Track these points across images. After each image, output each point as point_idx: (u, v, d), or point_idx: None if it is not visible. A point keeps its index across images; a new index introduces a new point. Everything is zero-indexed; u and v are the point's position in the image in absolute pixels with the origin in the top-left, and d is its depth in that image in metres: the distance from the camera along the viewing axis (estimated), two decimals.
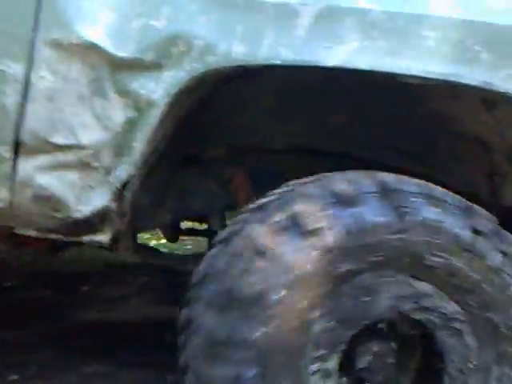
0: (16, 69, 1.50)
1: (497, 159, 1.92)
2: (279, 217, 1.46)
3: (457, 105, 1.82)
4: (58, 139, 1.54)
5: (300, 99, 1.90)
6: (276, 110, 1.95)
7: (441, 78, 1.53)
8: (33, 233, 1.67)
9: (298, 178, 1.66)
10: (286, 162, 2.14)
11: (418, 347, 1.59)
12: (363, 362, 1.53)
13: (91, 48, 1.50)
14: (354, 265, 1.45)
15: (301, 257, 1.41)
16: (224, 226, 2.22)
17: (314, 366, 1.44)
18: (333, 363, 1.47)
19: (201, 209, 2.17)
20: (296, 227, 1.44)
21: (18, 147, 1.55)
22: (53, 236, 1.68)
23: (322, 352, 1.45)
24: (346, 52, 1.51)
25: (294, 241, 1.42)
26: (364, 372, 1.54)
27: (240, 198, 2.10)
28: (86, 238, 1.67)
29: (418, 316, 1.50)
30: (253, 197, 2.06)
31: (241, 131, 2.01)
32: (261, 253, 1.42)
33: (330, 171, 1.68)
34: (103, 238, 1.66)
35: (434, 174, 2.00)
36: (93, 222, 1.63)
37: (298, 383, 1.43)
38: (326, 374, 1.46)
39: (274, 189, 1.65)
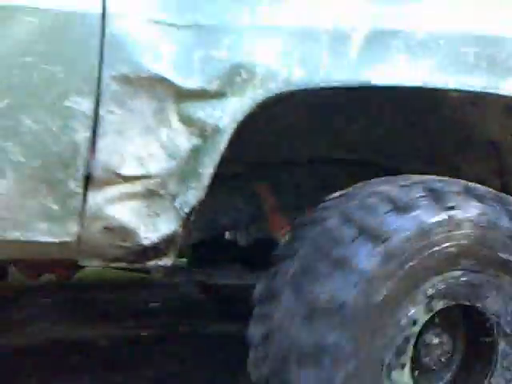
0: (84, 105, 1.53)
1: (508, 160, 2.08)
2: None
3: (475, 111, 1.97)
4: (127, 170, 1.58)
5: (327, 113, 2.00)
6: (303, 125, 2.04)
7: (481, 90, 1.67)
8: (96, 263, 1.70)
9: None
10: (306, 173, 2.23)
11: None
12: (428, 339, 1.68)
13: (158, 80, 1.54)
14: (494, 255, 1.64)
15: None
16: (249, 239, 2.31)
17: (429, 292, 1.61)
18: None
19: (227, 225, 2.23)
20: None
21: (88, 181, 1.57)
22: (116, 264, 1.71)
23: (431, 293, 1.61)
24: (395, 71, 1.62)
25: None
26: (423, 347, 1.69)
27: (266, 210, 2.18)
28: (150, 263, 1.71)
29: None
30: (278, 209, 2.15)
31: (268, 146, 2.09)
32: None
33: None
34: (167, 261, 1.71)
35: (445, 173, 2.16)
36: (160, 248, 1.67)
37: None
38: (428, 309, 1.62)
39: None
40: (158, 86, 1.55)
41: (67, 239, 1.61)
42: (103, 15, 1.52)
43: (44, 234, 1.60)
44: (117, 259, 1.69)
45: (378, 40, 1.62)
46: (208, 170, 1.61)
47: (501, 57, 1.67)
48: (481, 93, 1.70)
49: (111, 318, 3.06)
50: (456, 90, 1.68)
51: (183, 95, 1.57)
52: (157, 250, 1.67)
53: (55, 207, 1.58)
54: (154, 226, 1.63)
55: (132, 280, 3.15)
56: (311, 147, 2.14)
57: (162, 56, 1.55)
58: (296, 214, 1.88)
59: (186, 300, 3.44)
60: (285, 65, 1.58)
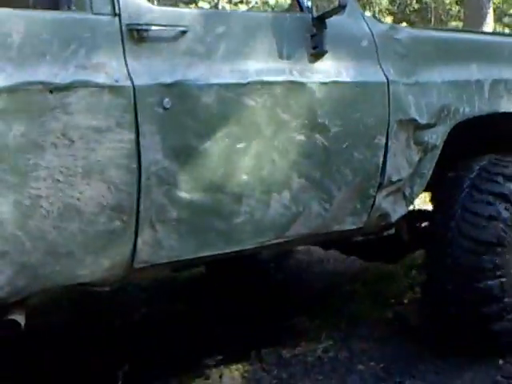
0: (382, 140, 2.42)
1: None
2: None
3: None
4: (394, 177, 2.52)
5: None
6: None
7: None
8: (358, 235, 2.62)
9: None
10: None
11: None
12: None
13: (410, 120, 2.50)
14: None
15: None
16: None
17: None
18: None
19: None
20: None
21: (378, 187, 2.47)
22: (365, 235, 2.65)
23: None
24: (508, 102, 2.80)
25: None
26: None
27: None
28: (383, 234, 2.67)
29: None
30: None
31: None
32: None
33: None
34: (391, 232, 2.69)
35: None
36: (394, 223, 2.64)
37: None
38: None
39: None
40: (410, 124, 2.51)
41: (360, 226, 2.50)
42: (388, 83, 2.42)
43: (350, 224, 2.47)
44: (370, 233, 2.63)
45: (497, 84, 2.78)
46: (428, 171, 2.63)
47: None
48: None
49: None
50: None
51: (418, 127, 2.54)
52: (392, 224, 2.65)
53: (358, 206, 2.46)
54: (395, 210, 2.60)
55: None
56: None
57: (411, 105, 2.50)
58: None
59: None
60: (460, 104, 2.65)
